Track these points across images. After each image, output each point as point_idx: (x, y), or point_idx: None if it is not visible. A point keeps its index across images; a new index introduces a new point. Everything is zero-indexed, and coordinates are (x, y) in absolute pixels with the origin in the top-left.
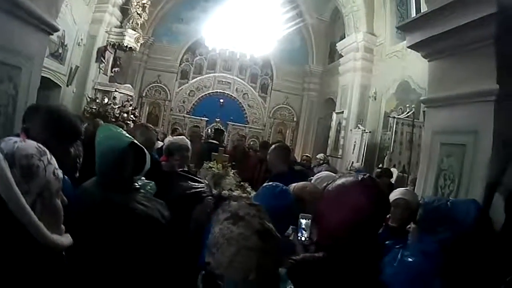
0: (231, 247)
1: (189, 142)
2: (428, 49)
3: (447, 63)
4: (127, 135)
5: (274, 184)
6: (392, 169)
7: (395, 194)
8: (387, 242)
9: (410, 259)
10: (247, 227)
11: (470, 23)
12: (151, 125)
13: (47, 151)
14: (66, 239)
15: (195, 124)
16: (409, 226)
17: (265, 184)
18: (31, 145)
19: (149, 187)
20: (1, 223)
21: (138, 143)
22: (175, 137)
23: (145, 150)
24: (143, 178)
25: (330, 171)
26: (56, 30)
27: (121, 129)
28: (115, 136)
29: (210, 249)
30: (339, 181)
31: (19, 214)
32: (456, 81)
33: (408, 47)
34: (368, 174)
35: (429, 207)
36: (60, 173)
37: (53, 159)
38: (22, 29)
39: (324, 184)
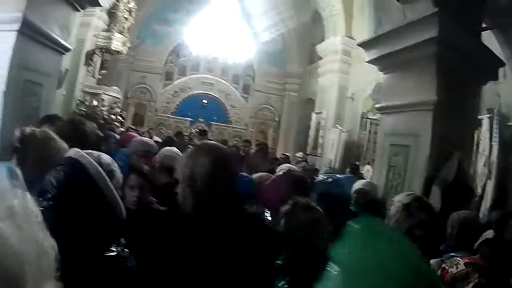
0: None
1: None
2: (382, 64)
3: (397, 77)
4: None
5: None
6: (366, 166)
7: (357, 185)
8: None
9: None
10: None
11: (415, 44)
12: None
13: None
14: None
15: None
16: None
17: None
18: (107, 157)
19: None
20: (99, 205)
21: None
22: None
23: None
24: None
25: (308, 168)
26: (68, 50)
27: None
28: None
29: None
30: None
31: (111, 198)
32: (403, 92)
33: (367, 61)
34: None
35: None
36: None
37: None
38: (41, 51)
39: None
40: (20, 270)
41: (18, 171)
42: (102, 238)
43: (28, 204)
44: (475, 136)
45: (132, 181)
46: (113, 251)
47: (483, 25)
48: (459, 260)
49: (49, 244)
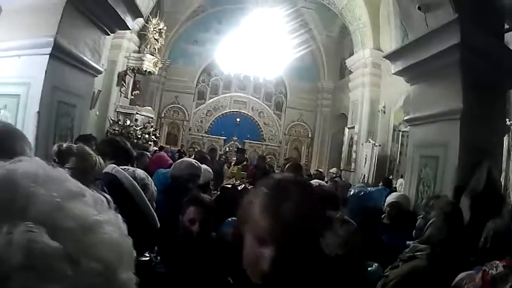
0: None
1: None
2: (408, 75)
3: (424, 87)
4: None
5: None
6: (400, 180)
7: (390, 198)
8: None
9: None
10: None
11: (439, 52)
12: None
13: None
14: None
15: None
16: None
17: None
18: (142, 172)
19: None
20: (134, 214)
21: None
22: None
23: None
24: None
25: (341, 184)
26: (100, 72)
27: None
28: None
29: None
30: None
31: (145, 209)
32: (430, 102)
33: (393, 73)
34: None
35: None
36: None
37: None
38: (73, 73)
39: None
40: (119, 258)
41: (110, 199)
42: (137, 245)
43: (119, 221)
44: (506, 142)
45: (192, 214)
46: (147, 256)
47: (506, 27)
48: (498, 263)
49: (131, 248)
